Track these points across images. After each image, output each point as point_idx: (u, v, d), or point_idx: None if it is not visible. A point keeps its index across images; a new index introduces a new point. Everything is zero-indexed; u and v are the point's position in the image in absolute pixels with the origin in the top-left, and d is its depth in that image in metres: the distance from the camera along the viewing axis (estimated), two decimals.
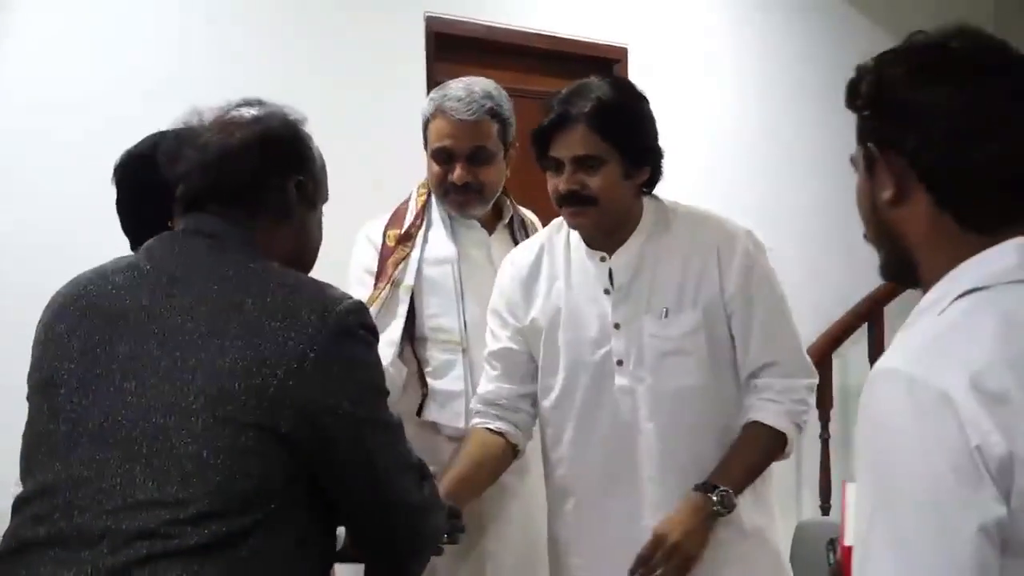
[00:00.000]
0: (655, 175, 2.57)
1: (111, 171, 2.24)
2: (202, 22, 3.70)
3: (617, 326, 2.53)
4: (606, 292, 2.54)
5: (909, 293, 1.79)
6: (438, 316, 2.84)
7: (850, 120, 1.59)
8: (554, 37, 4.68)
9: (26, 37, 3.39)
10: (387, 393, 1.85)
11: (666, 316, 2.50)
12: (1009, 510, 1.22)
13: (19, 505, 1.73)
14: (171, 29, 3.63)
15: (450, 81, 2.93)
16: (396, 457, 1.83)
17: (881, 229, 1.48)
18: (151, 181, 2.06)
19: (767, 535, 2.58)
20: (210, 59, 3.69)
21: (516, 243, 2.93)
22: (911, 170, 1.40)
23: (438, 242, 2.88)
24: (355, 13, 4.07)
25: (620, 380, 2.52)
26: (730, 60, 5.34)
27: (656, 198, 2.61)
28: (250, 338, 1.68)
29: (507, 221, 2.99)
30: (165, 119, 2.16)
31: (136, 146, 2.24)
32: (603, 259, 2.55)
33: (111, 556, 1.60)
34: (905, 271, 1.47)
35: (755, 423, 2.50)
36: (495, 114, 2.84)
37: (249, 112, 1.91)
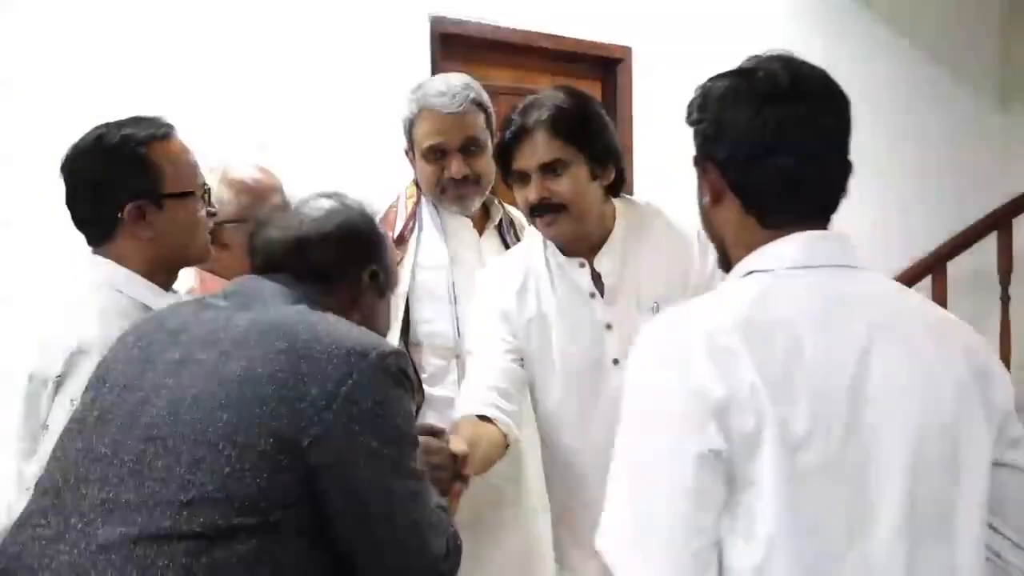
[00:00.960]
0: (620, 176, 2.56)
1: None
2: (208, 24, 3.71)
3: (609, 326, 2.54)
4: (592, 296, 2.55)
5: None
6: (432, 322, 2.81)
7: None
8: (558, 37, 4.69)
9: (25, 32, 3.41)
10: (417, 444, 1.84)
11: (657, 310, 2.50)
12: (730, 446, 1.48)
13: (38, 480, 1.78)
14: (171, 30, 3.64)
15: (422, 81, 2.92)
16: (417, 508, 1.80)
17: (707, 227, 1.77)
18: (97, 175, 2.08)
19: None
20: (213, 61, 3.71)
21: (506, 244, 2.93)
22: (723, 178, 1.68)
23: (431, 246, 2.85)
24: (360, 14, 4.08)
25: (617, 379, 2.49)
26: (734, 60, 5.34)
27: (628, 199, 2.63)
28: (294, 366, 1.71)
29: (497, 222, 2.96)
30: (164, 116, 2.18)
31: (81, 140, 2.20)
32: (582, 264, 2.56)
33: (107, 528, 1.62)
34: (727, 264, 1.73)
35: None
36: (479, 104, 2.84)
37: (329, 203, 2.02)
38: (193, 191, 2.21)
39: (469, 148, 2.82)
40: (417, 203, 2.88)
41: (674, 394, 1.51)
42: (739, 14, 5.38)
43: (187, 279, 2.58)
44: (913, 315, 1.63)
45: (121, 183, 2.13)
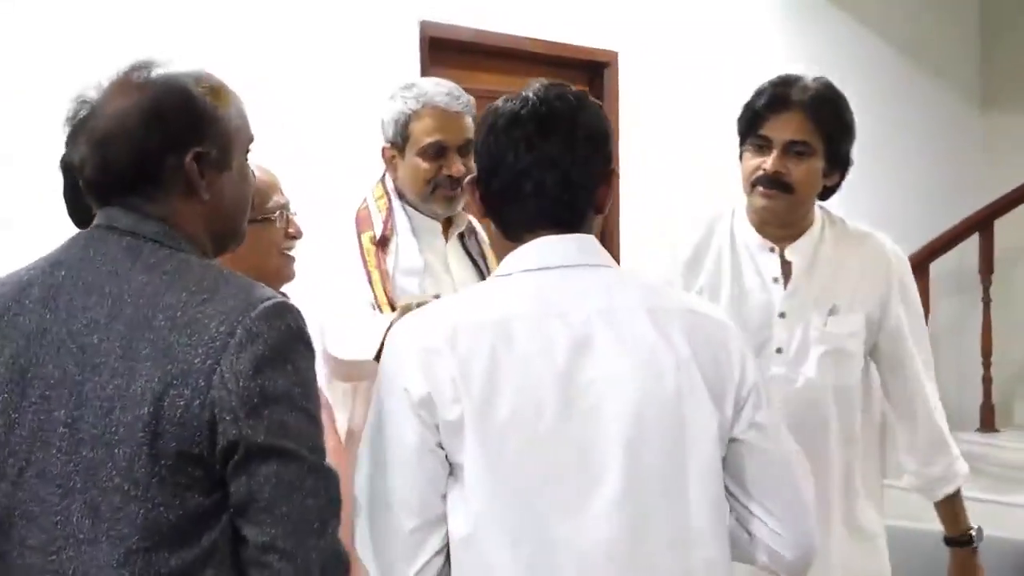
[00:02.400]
0: (838, 185, 2.62)
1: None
2: (199, 26, 3.74)
3: (783, 315, 2.57)
4: (775, 280, 2.58)
5: None
6: None
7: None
8: (546, 42, 4.74)
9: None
10: (310, 419, 1.63)
11: (833, 314, 2.56)
12: (438, 436, 1.71)
13: None
14: (163, 30, 3.66)
15: (414, 80, 2.95)
16: (300, 502, 1.58)
17: None
18: None
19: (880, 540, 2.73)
20: (202, 63, 3.73)
21: (469, 253, 2.95)
22: (477, 196, 1.89)
23: (407, 252, 2.85)
24: (350, 19, 4.12)
25: (776, 369, 2.55)
26: (720, 65, 5.40)
27: (821, 206, 2.68)
28: (159, 359, 1.56)
29: (463, 230, 2.97)
30: None
31: None
32: (772, 250, 2.60)
33: None
34: None
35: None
36: (471, 108, 2.87)
37: (139, 76, 1.71)
38: None
39: (465, 149, 2.83)
40: (390, 205, 2.88)
41: (390, 393, 1.75)
42: (724, 19, 5.43)
43: None
44: (636, 305, 1.79)
45: None
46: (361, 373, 2.66)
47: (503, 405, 1.71)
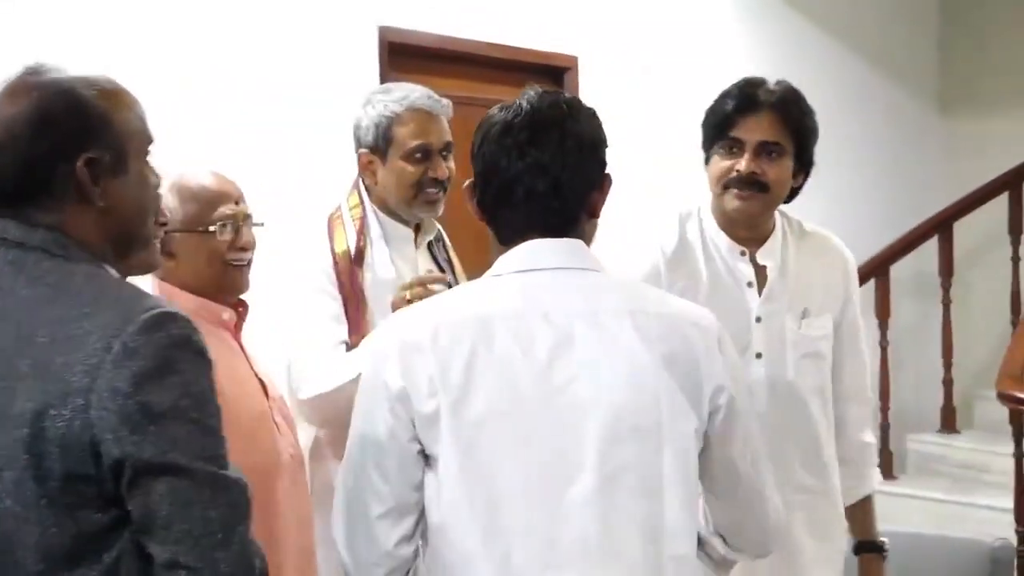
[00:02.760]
0: (802, 186, 2.65)
1: None
2: (158, 31, 3.71)
3: (759, 319, 2.58)
4: (749, 285, 2.59)
5: None
6: None
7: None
8: (505, 47, 4.72)
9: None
10: (204, 429, 1.59)
11: (805, 316, 2.59)
12: (415, 429, 1.80)
13: None
14: (119, 38, 3.64)
15: (389, 85, 2.95)
16: (200, 515, 1.55)
17: None
18: None
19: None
20: (162, 70, 3.70)
21: (437, 261, 2.95)
22: (473, 201, 1.96)
23: (381, 262, 2.85)
24: (309, 24, 4.10)
25: (758, 372, 2.56)
26: (680, 68, 5.41)
27: (783, 209, 2.70)
28: (38, 378, 1.52)
29: (433, 237, 2.98)
30: None
31: None
32: (743, 253, 2.61)
33: None
34: None
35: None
36: (449, 111, 2.89)
37: (27, 81, 1.66)
38: None
39: (447, 151, 2.86)
40: (363, 214, 2.87)
41: (371, 386, 1.85)
42: (684, 23, 5.44)
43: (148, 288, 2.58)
44: (619, 308, 1.86)
45: None
46: (337, 407, 2.65)
47: (479, 399, 1.78)
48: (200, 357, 1.60)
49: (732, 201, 2.55)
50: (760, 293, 2.59)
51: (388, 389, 1.81)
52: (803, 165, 2.60)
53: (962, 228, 6.09)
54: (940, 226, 6.02)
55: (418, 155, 2.81)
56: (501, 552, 1.76)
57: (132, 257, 1.78)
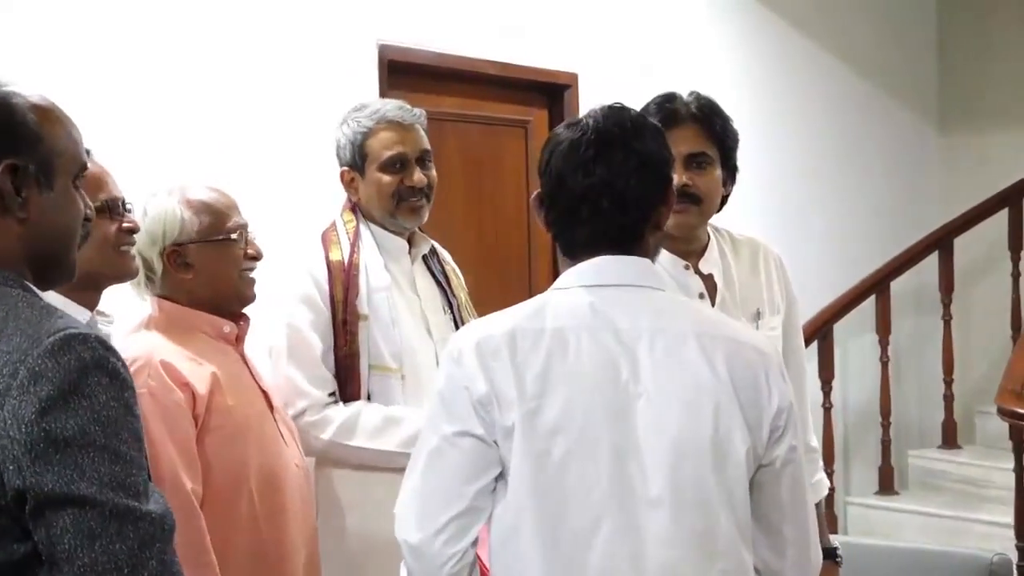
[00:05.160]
0: (730, 194, 2.66)
1: None
2: (157, 47, 3.72)
3: None
4: (701, 297, 2.59)
5: None
6: (379, 344, 2.85)
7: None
8: (505, 64, 4.73)
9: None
10: (115, 456, 1.50)
11: (760, 318, 2.62)
12: (491, 432, 1.84)
13: None
14: (113, 51, 3.65)
15: (362, 102, 3.03)
16: (105, 548, 1.47)
17: None
18: None
19: None
20: (162, 84, 3.72)
21: (432, 272, 3.02)
22: (541, 215, 2.02)
23: (376, 270, 2.90)
24: (309, 42, 4.11)
25: None
26: (680, 85, 5.41)
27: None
28: None
29: (427, 250, 3.04)
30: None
31: None
32: (687, 267, 2.60)
33: None
34: None
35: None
36: (422, 120, 2.98)
37: None
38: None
39: (425, 160, 2.94)
40: (357, 228, 2.93)
41: (448, 388, 1.89)
42: (684, 40, 5.46)
43: (145, 307, 2.60)
44: (686, 329, 1.91)
45: None
46: (351, 459, 2.78)
47: (553, 409, 1.83)
48: (114, 380, 1.52)
49: (672, 215, 2.55)
50: (713, 303, 2.59)
51: (470, 393, 1.85)
52: (730, 172, 2.61)
53: (962, 244, 6.09)
54: (940, 242, 6.02)
55: (395, 165, 2.90)
56: (564, 563, 1.81)
57: (53, 284, 1.74)
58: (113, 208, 2.27)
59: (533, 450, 1.83)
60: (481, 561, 1.95)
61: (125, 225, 2.29)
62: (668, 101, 2.60)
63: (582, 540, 1.82)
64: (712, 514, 1.85)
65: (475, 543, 1.88)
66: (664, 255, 2.60)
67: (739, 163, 2.68)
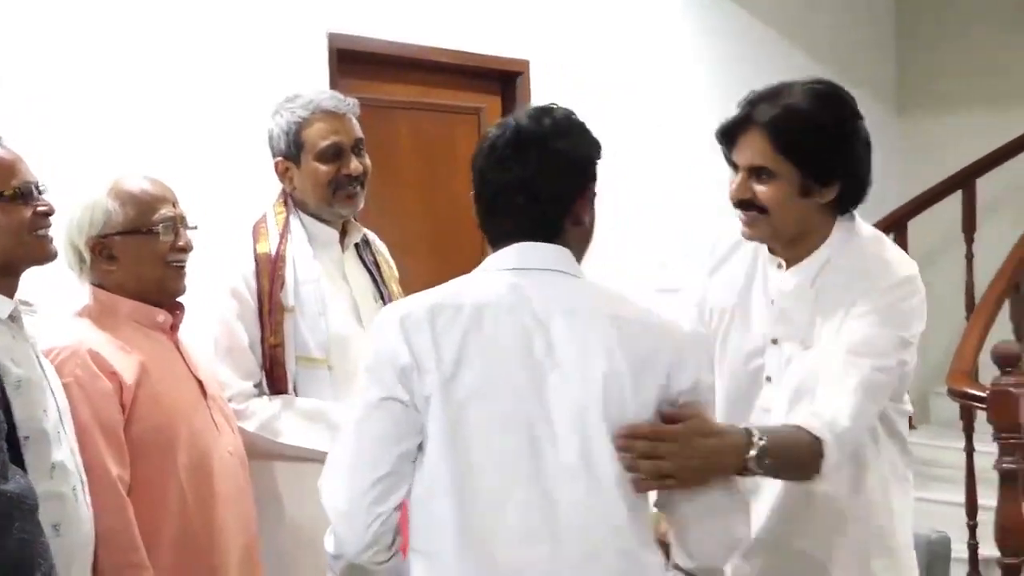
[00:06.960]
0: (850, 194, 2.39)
1: None
2: (105, 35, 3.73)
3: (775, 341, 2.42)
4: (772, 303, 2.44)
5: None
6: (306, 335, 2.87)
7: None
8: (457, 52, 4.75)
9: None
10: None
11: (810, 347, 2.37)
12: (412, 399, 1.96)
13: None
14: (63, 40, 3.65)
15: (295, 92, 3.04)
16: None
17: None
18: None
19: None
20: (110, 73, 3.72)
21: (364, 263, 3.05)
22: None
23: (303, 262, 2.92)
24: (258, 31, 4.12)
25: (766, 398, 2.43)
26: (631, 70, 5.45)
27: (851, 222, 2.44)
28: None
29: (360, 239, 3.06)
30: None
31: None
32: (780, 266, 2.44)
33: None
34: None
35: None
36: (355, 110, 3.01)
37: None
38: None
39: (359, 148, 2.97)
40: (287, 219, 2.95)
41: (375, 355, 2.01)
42: (635, 25, 5.48)
43: (82, 295, 2.61)
44: (598, 310, 2.02)
45: None
46: (273, 451, 2.80)
47: (468, 379, 1.96)
48: None
49: (742, 224, 2.43)
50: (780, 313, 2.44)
51: (395, 362, 1.97)
52: (821, 179, 2.34)
53: (916, 227, 6.15)
54: (895, 225, 6.07)
55: (331, 154, 2.92)
56: (477, 524, 1.93)
57: None
58: (27, 193, 2.29)
59: (449, 417, 1.95)
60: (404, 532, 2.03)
61: (40, 209, 2.31)
62: (749, 103, 2.39)
63: (496, 503, 1.94)
64: (621, 480, 1.96)
65: (398, 508, 1.98)
66: (766, 250, 2.48)
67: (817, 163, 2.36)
